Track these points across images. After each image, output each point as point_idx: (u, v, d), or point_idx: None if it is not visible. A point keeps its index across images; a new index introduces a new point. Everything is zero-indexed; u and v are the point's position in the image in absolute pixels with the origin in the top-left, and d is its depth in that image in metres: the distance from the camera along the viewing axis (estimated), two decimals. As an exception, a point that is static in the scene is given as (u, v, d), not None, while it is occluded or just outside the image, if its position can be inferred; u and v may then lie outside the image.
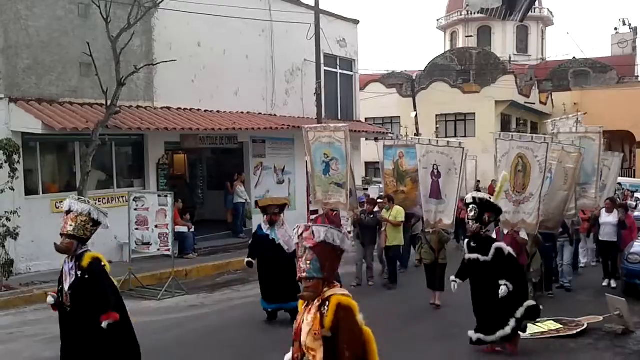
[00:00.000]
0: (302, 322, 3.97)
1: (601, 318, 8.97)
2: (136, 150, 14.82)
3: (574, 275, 12.15)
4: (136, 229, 11.77)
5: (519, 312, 7.45)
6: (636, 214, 16.38)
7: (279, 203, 9.46)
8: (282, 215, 9.26)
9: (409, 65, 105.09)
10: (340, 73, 21.77)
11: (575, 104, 36.59)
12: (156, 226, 11.58)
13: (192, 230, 14.78)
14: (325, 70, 19.81)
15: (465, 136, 32.33)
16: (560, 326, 8.86)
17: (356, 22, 22.36)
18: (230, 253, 14.90)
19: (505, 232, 9.59)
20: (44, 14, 12.90)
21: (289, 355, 4.08)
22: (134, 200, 11.86)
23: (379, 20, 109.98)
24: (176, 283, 11.03)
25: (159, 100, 15.19)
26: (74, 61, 13.26)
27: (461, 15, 54.45)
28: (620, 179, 19.58)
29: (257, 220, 17.18)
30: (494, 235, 9.73)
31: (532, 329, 8.75)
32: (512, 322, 7.45)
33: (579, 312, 9.46)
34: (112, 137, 13.44)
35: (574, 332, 8.59)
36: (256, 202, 9.56)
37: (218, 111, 16.61)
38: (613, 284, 11.54)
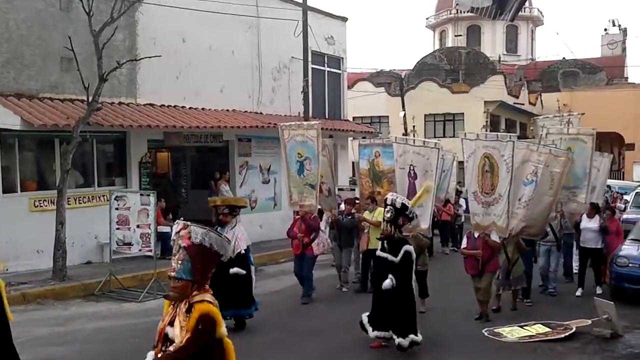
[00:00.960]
0: (172, 323, 3.91)
1: (589, 322, 9.01)
2: (118, 147, 14.70)
3: (567, 281, 12.18)
4: (117, 228, 11.68)
5: (406, 341, 7.62)
6: (625, 216, 16.50)
7: (229, 203, 9.04)
8: (236, 217, 8.87)
9: (397, 64, 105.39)
10: (328, 71, 21.75)
11: (564, 104, 36.85)
12: (138, 226, 11.49)
13: (175, 230, 14.67)
14: (312, 68, 19.78)
15: (454, 136, 32.47)
16: (549, 330, 8.89)
17: (344, 19, 22.35)
18: (214, 254, 14.82)
19: (477, 235, 9.56)
20: (24, 7, 12.75)
21: (151, 354, 4.00)
22: (115, 199, 11.77)
23: (367, 17, 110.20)
24: (158, 285, 10.95)
25: (142, 97, 15.09)
26: (55, 55, 13.13)
27: (450, 14, 54.68)
28: (610, 181, 19.57)
29: (242, 220, 17.23)
30: (464, 241, 9.80)
31: (519, 332, 8.78)
32: (402, 341, 7.61)
33: (567, 316, 9.51)
34: (94, 134, 13.33)
35: (562, 335, 8.63)
36: (208, 200, 9.28)
37: (203, 108, 16.53)
38: (598, 290, 11.24)
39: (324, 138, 12.28)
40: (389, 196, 7.93)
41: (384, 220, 7.81)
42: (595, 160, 13.37)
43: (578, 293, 11.27)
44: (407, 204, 7.86)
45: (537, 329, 8.93)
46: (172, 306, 4.00)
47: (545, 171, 10.12)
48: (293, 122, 11.76)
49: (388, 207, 7.75)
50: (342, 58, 22.46)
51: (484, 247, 9.43)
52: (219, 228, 8.44)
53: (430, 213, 9.94)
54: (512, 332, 8.79)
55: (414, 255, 7.86)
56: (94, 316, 10.01)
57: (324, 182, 12.09)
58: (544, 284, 11.47)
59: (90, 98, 11.89)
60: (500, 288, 10.03)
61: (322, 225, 13.30)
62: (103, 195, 13.42)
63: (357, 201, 12.55)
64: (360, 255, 11.85)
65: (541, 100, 40.66)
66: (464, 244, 9.91)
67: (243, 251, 8.66)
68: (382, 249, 7.84)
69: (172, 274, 3.93)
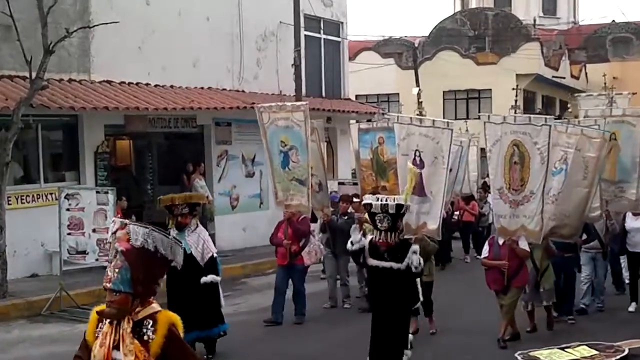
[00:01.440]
0: (111, 347, 3.87)
1: (645, 342, 9.07)
2: (69, 135, 14.70)
3: (618, 293, 12.19)
4: (69, 233, 11.70)
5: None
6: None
7: (188, 200, 8.84)
8: (194, 216, 8.82)
9: (410, 30, 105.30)
10: (324, 39, 21.73)
11: (614, 77, 36.92)
12: (94, 230, 11.51)
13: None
14: (305, 35, 19.78)
15: (479, 118, 32.51)
16: (596, 352, 8.95)
17: (344, -25, 22.38)
18: (187, 263, 14.87)
19: (501, 241, 9.46)
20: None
21: None
22: (65, 197, 11.78)
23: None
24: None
25: (97, 73, 15.07)
26: (-11, 23, 13.12)
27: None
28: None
29: (220, 221, 17.30)
30: (485, 249, 9.68)
31: (560, 356, 8.84)
32: None
33: (618, 335, 9.56)
34: (38, 119, 13.32)
35: (612, 359, 8.68)
36: (159, 200, 8.96)
37: (172, 86, 16.53)
38: None
39: (312, 120, 11.97)
40: (375, 202, 7.69)
41: (378, 230, 7.66)
42: None
43: (631, 308, 11.25)
44: (401, 202, 7.70)
45: (582, 351, 8.98)
46: (110, 324, 3.94)
47: (577, 157, 9.92)
48: (274, 103, 11.53)
49: (379, 215, 7.57)
50: (342, 23, 22.44)
51: (510, 257, 9.32)
52: (176, 232, 8.39)
53: (440, 210, 9.69)
54: (551, 356, 8.85)
55: (421, 260, 7.83)
56: (42, 340, 10.03)
57: (314, 175, 11.73)
58: (585, 299, 11.34)
59: (34, 74, 11.87)
60: (528, 304, 10.01)
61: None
62: (51, 194, 13.43)
63: (355, 199, 12.43)
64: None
65: (586, 73, 40.77)
66: (484, 252, 9.80)
67: (215, 254, 8.75)
68: (379, 257, 7.69)
69: (108, 285, 3.85)
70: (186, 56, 16.97)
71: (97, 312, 3.96)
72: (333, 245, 11.62)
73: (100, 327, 4.02)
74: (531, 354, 8.97)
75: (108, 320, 3.93)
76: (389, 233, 7.59)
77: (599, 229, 11.03)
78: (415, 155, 9.84)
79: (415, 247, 7.73)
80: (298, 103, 11.44)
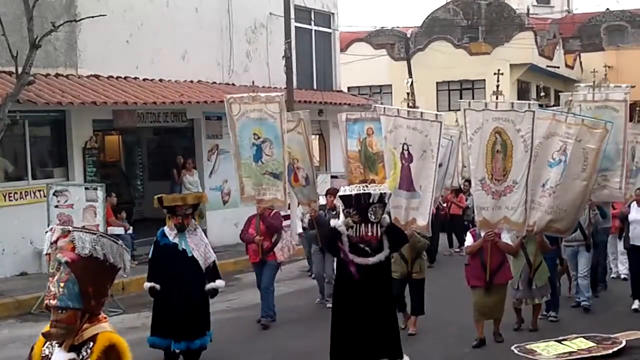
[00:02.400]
0: None
1: (643, 333, 9.12)
2: (56, 131, 14.67)
3: (602, 291, 11.99)
4: (58, 231, 11.66)
5: None
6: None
7: (192, 201, 8.53)
8: (194, 217, 8.62)
9: (402, 21, 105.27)
10: (315, 30, 21.71)
11: (609, 67, 36.91)
12: (83, 227, 11.47)
13: (130, 231, 14.70)
14: (296, 26, 19.75)
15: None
16: (593, 344, 8.99)
17: (335, -35, 22.35)
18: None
19: (483, 234, 9.26)
20: None
21: None
22: (54, 194, 11.75)
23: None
24: (110, 300, 10.96)
25: (85, 67, 15.03)
26: (-26, 17, 13.06)
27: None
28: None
29: (212, 216, 17.28)
30: (469, 239, 9.60)
31: (557, 348, 8.87)
32: None
33: (615, 327, 9.60)
34: (25, 115, 13.28)
35: (610, 351, 8.72)
36: (159, 199, 8.46)
37: (161, 80, 16.50)
38: None
39: (299, 110, 11.84)
40: (372, 190, 7.39)
41: (366, 222, 7.33)
42: (639, 134, 12.86)
43: (635, 305, 10.92)
44: (385, 191, 7.56)
45: (579, 343, 9.02)
46: (50, 347, 3.63)
47: (577, 148, 9.59)
48: (246, 94, 11.14)
49: (375, 205, 7.30)
50: (333, 14, 22.43)
51: (492, 252, 9.14)
52: (176, 233, 8.26)
53: (430, 205, 9.34)
54: (548, 348, 8.88)
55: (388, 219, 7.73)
56: (32, 340, 9.86)
57: (300, 168, 11.59)
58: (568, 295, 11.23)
59: (20, 69, 11.83)
60: (522, 301, 9.88)
61: (297, 224, 12.93)
62: (39, 190, 13.39)
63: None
64: None
65: (580, 62, 40.79)
66: (468, 242, 9.64)
67: (215, 259, 8.54)
68: (361, 253, 7.42)
69: (53, 302, 3.52)
70: (175, 49, 16.94)
71: (43, 334, 3.61)
72: (321, 242, 11.17)
73: (49, 352, 3.68)
74: (528, 346, 9.01)
75: (55, 342, 3.59)
76: (375, 226, 7.39)
77: (582, 220, 10.69)
78: (403, 149, 9.57)
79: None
80: (273, 94, 11.06)
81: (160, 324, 8.34)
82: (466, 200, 17.08)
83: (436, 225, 15.03)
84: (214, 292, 8.44)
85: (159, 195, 8.54)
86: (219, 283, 8.39)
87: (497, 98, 9.76)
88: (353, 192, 7.41)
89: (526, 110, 8.96)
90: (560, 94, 12.81)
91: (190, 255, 8.14)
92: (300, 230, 13.03)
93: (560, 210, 9.72)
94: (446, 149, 14.45)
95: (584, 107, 10.83)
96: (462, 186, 17.46)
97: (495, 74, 10.38)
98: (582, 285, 11.04)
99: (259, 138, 10.64)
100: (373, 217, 7.32)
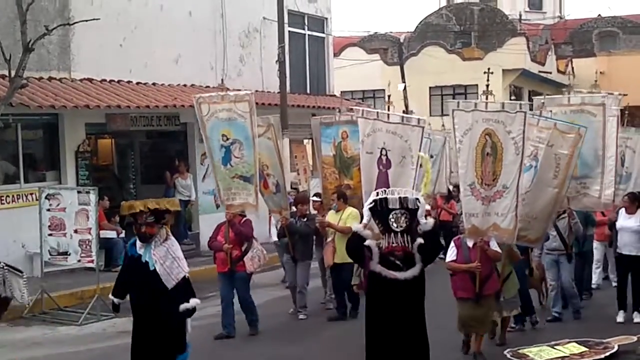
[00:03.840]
0: None
1: (635, 338, 9.13)
2: (49, 134, 14.63)
3: (585, 298, 11.56)
4: (50, 234, 11.64)
5: None
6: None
7: (155, 207, 7.27)
8: (164, 225, 7.33)
9: (395, 26, 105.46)
10: (309, 35, 21.74)
11: (601, 72, 37.15)
12: (75, 231, 11.45)
13: (122, 235, 14.66)
14: (289, 31, 19.75)
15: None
16: (585, 349, 9.00)
17: (328, -30, 22.38)
18: (171, 264, 14.83)
19: (471, 244, 8.67)
20: None
21: None
22: (46, 198, 11.72)
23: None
24: (102, 303, 10.93)
25: (78, 70, 15.01)
26: (-33, 20, 13.03)
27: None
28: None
29: (205, 220, 17.21)
30: (451, 251, 8.84)
31: (550, 353, 8.89)
32: None
33: (607, 332, 9.61)
34: (18, 118, 13.26)
35: (602, 356, 8.73)
36: (121, 207, 7.76)
37: (154, 84, 16.48)
38: (637, 318, 10.34)
39: (269, 115, 11.46)
40: (390, 195, 6.72)
41: (389, 231, 6.68)
42: (629, 138, 12.59)
43: (620, 319, 10.40)
44: (420, 198, 6.83)
45: (571, 348, 9.03)
46: None
47: (549, 153, 9.27)
48: (215, 93, 10.72)
49: (396, 212, 6.65)
50: (327, 18, 22.44)
51: (482, 260, 8.53)
52: (140, 245, 7.18)
53: None
54: (540, 353, 8.89)
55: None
56: (23, 344, 9.98)
57: (270, 175, 11.22)
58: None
59: (13, 73, 11.80)
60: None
61: (273, 232, 12.47)
62: (31, 194, 13.35)
63: (316, 198, 12.00)
64: (328, 272, 11.22)
65: (572, 68, 40.95)
66: (451, 254, 8.84)
67: (187, 275, 7.26)
68: (391, 266, 6.76)
69: None
70: (168, 53, 16.92)
71: None
72: (292, 250, 10.98)
73: None
74: (520, 351, 9.02)
75: None
76: (404, 236, 6.68)
77: (562, 228, 10.39)
78: (381, 154, 9.21)
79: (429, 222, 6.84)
80: (242, 92, 10.47)
81: (133, 347, 7.34)
82: (457, 206, 16.59)
83: None
84: (190, 312, 7.23)
85: (123, 203, 7.72)
86: (192, 302, 7.19)
87: (487, 98, 9.47)
88: (372, 198, 6.79)
89: (517, 111, 8.57)
90: (534, 97, 12.36)
91: (152, 269, 7.04)
92: (275, 238, 12.45)
93: (529, 218, 9.27)
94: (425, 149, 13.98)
95: (558, 111, 10.30)
96: (452, 192, 17.15)
97: (485, 72, 10.11)
98: (570, 294, 10.71)
99: (227, 139, 10.09)
100: (395, 225, 6.64)
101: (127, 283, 7.37)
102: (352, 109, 13.85)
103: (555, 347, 9.11)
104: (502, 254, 8.85)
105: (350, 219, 10.52)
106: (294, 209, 11.56)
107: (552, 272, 10.69)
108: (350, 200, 11.02)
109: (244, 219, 10.08)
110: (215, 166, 10.36)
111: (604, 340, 9.21)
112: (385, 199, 6.64)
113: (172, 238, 7.37)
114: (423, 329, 6.95)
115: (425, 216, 6.90)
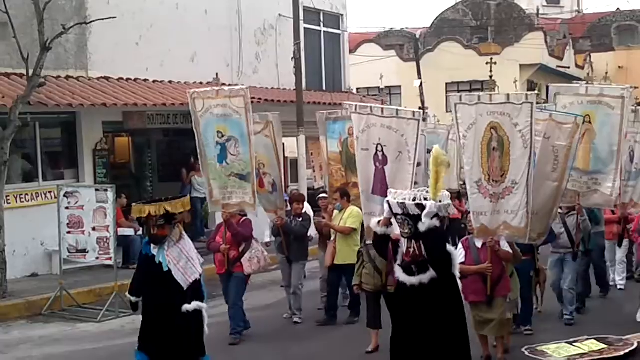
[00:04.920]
0: None
1: (654, 335, 9.07)
2: (67, 132, 14.72)
3: (601, 296, 11.49)
4: (68, 232, 11.69)
5: None
6: None
7: (165, 210, 7.08)
8: (177, 226, 7.24)
9: (411, 21, 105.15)
10: (324, 32, 21.72)
11: (620, 67, 36.94)
12: (94, 229, 11.50)
13: (140, 233, 14.73)
14: (305, 28, 19.76)
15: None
16: (604, 346, 8.95)
17: (344, -34, 22.36)
18: (188, 261, 14.87)
19: (480, 244, 8.30)
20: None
21: None
22: (65, 196, 11.78)
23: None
24: (120, 300, 10.98)
25: (95, 69, 15.09)
26: (-15, 20, 13.13)
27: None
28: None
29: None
30: (460, 252, 8.26)
31: (568, 350, 8.85)
32: None
33: (627, 328, 9.56)
34: (36, 117, 13.33)
35: (621, 353, 8.69)
36: (131, 207, 7.61)
37: (170, 82, 16.53)
38: None
39: (268, 112, 11.01)
40: (392, 199, 6.47)
41: (402, 235, 6.48)
42: (638, 133, 11.29)
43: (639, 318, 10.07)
44: (423, 202, 6.40)
45: (590, 345, 8.98)
46: None
47: (546, 145, 8.84)
48: (209, 88, 10.29)
49: (399, 217, 6.41)
50: (342, 15, 22.41)
51: (493, 261, 8.17)
52: (153, 247, 7.14)
53: None
54: (559, 350, 8.85)
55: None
56: (42, 341, 10.06)
57: (267, 174, 10.75)
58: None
59: (31, 71, 11.88)
60: None
61: (267, 234, 12.06)
62: (50, 192, 13.44)
63: (322, 195, 11.61)
64: (326, 273, 10.70)
65: (591, 63, 40.75)
66: (460, 256, 8.09)
67: (200, 276, 7.22)
68: (407, 270, 6.61)
69: None
70: (184, 51, 16.98)
71: None
72: (287, 250, 10.57)
73: None
74: (539, 348, 8.99)
75: None
76: (413, 242, 6.45)
77: (571, 225, 10.00)
78: (377, 150, 8.83)
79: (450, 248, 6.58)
80: (237, 87, 10.00)
81: (143, 340, 7.32)
82: (465, 204, 15.06)
83: None
84: (196, 314, 7.08)
85: (134, 206, 7.42)
86: (194, 305, 7.02)
87: (491, 90, 9.05)
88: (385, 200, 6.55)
89: (524, 102, 8.02)
90: (549, 85, 11.61)
91: (166, 270, 7.01)
92: (267, 239, 12.17)
93: (531, 214, 8.63)
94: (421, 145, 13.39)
95: (575, 101, 9.76)
96: (461, 190, 15.80)
97: (487, 63, 9.77)
98: (567, 299, 10.19)
99: (223, 136, 9.66)
100: (401, 231, 6.45)
101: (142, 281, 7.37)
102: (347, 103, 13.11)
103: (573, 344, 9.07)
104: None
105: (350, 218, 10.35)
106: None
107: (555, 272, 10.23)
108: (358, 200, 10.40)
109: (243, 218, 9.77)
110: (208, 164, 9.89)
111: (624, 337, 9.16)
112: (388, 202, 6.46)
113: (186, 238, 7.30)
114: (454, 337, 6.61)
115: (439, 217, 6.48)
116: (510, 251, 8.32)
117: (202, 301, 7.14)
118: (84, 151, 14.66)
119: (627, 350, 8.71)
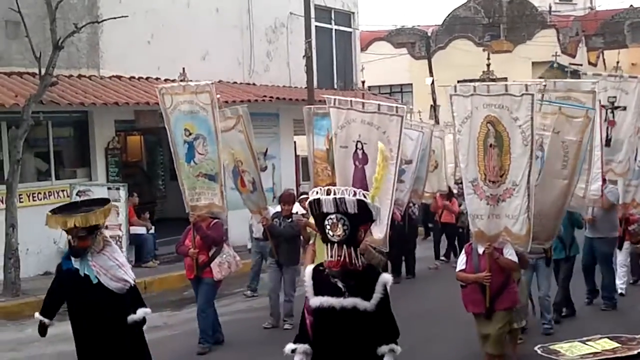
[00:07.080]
0: None
1: (669, 334, 9.03)
2: (79, 131, 14.79)
3: (605, 308, 10.90)
4: (81, 231, 11.74)
5: None
6: None
7: (86, 223, 6.29)
8: (99, 233, 6.47)
9: (422, 19, 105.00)
10: (335, 29, 21.73)
11: (633, 64, 36.65)
12: (106, 227, 11.47)
13: (152, 231, 14.79)
14: (316, 26, 19.77)
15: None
16: (617, 345, 8.91)
17: (355, -36, 22.36)
18: (200, 259, 14.89)
19: (481, 250, 7.53)
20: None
21: None
22: (77, 194, 11.87)
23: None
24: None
25: (107, 68, 15.17)
26: (-2, 19, 13.21)
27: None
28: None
29: (232, 216, 17.09)
30: (461, 259, 7.73)
31: (581, 349, 8.82)
32: None
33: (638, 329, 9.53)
34: (49, 116, 13.40)
35: (635, 352, 8.65)
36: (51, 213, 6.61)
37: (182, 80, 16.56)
38: None
39: (237, 105, 10.45)
40: (323, 195, 4.99)
41: (329, 242, 4.97)
42: None
43: None
44: (364, 199, 4.99)
45: (603, 344, 8.94)
46: None
47: (555, 140, 8.23)
48: (176, 84, 9.80)
49: (332, 216, 4.92)
50: (353, 13, 22.41)
51: (493, 270, 7.40)
52: (74, 260, 6.38)
53: (388, 214, 7.94)
54: (572, 349, 8.82)
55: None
56: (56, 338, 10.05)
57: (246, 171, 10.10)
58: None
59: (43, 70, 11.94)
60: None
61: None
62: (62, 190, 13.51)
63: (304, 195, 10.97)
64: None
65: (603, 59, 40.50)
66: (460, 263, 7.76)
67: (133, 282, 6.50)
68: (331, 291, 4.93)
69: None
70: (196, 49, 17.01)
71: None
72: (277, 254, 10.10)
73: None
74: (551, 347, 8.96)
75: None
76: (343, 247, 4.92)
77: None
78: (357, 148, 8.22)
79: (386, 278, 5.01)
80: (202, 83, 9.23)
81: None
82: (460, 205, 14.63)
83: (411, 234, 14.10)
84: (141, 322, 6.47)
85: (50, 216, 6.54)
86: (140, 313, 6.38)
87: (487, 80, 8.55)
88: (309, 198, 5.18)
89: (524, 94, 7.21)
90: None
91: (95, 282, 6.24)
92: (249, 244, 11.77)
93: (541, 216, 7.96)
94: (416, 143, 12.81)
95: (547, 97, 8.74)
96: (453, 189, 15.79)
97: (485, 53, 9.34)
98: (543, 307, 9.75)
99: (190, 134, 9.18)
100: (331, 233, 4.94)
101: (60, 301, 6.74)
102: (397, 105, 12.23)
103: (586, 342, 9.02)
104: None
105: None
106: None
107: (527, 276, 9.27)
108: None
109: (214, 221, 9.20)
110: (180, 164, 9.38)
111: (637, 336, 9.13)
112: (318, 200, 5.00)
113: (113, 245, 6.69)
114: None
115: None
116: (515, 259, 7.55)
117: (145, 306, 6.52)
118: (96, 150, 14.72)
119: (640, 349, 8.69)
